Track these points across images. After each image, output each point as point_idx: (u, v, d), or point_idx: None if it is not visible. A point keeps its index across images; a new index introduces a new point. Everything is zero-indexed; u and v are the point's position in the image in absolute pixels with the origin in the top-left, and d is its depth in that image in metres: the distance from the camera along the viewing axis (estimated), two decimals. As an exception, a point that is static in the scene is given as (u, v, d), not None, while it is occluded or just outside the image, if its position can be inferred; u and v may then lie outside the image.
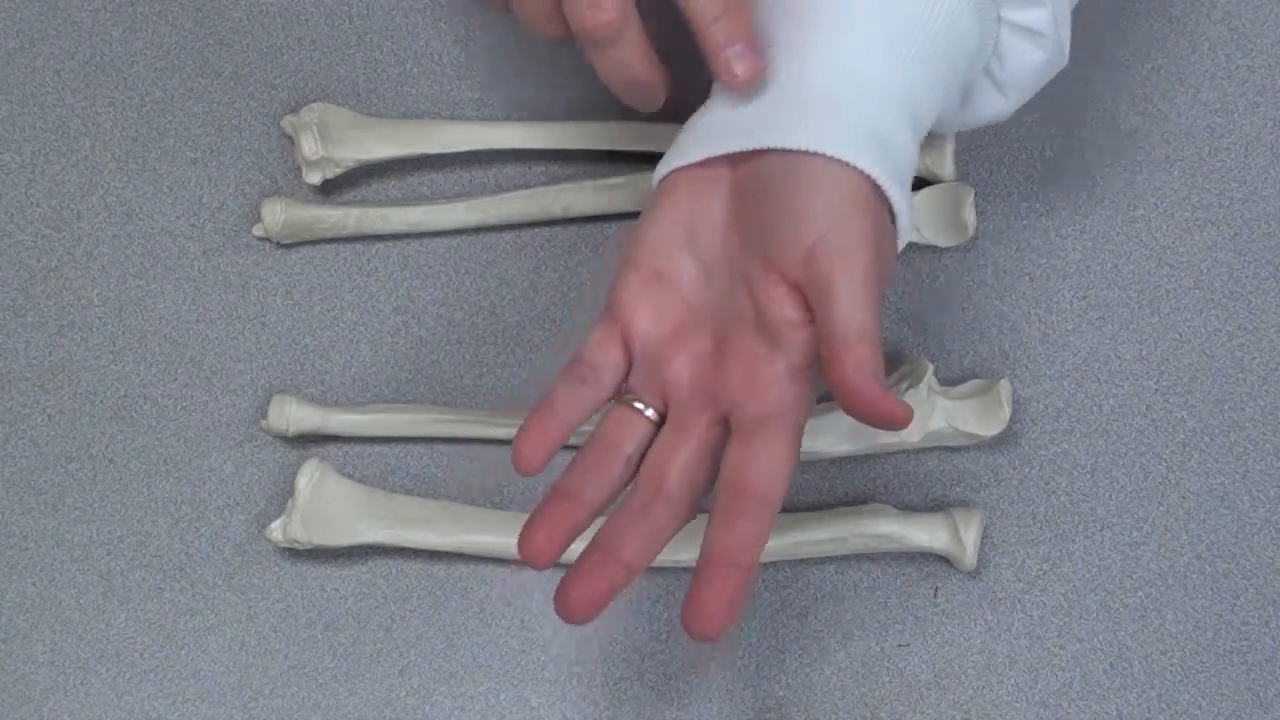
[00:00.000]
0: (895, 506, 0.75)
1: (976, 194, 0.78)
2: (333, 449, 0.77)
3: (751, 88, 0.63)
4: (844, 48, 0.63)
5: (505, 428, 0.76)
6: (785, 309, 0.61)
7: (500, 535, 0.74)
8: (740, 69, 0.62)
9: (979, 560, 0.74)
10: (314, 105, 0.79)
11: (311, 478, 0.74)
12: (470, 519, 0.75)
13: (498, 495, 0.77)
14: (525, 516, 0.75)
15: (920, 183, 0.79)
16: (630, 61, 0.65)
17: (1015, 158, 0.81)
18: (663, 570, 0.75)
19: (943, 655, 0.74)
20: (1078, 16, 0.83)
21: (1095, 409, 0.77)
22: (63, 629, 0.75)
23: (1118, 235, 0.79)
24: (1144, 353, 0.77)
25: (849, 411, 0.59)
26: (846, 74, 0.62)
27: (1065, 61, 0.68)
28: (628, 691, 0.74)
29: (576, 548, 0.65)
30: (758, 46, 0.63)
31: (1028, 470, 0.76)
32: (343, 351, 0.79)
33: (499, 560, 0.75)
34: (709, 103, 0.66)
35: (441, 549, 0.74)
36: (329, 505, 0.74)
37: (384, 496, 0.75)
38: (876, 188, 0.61)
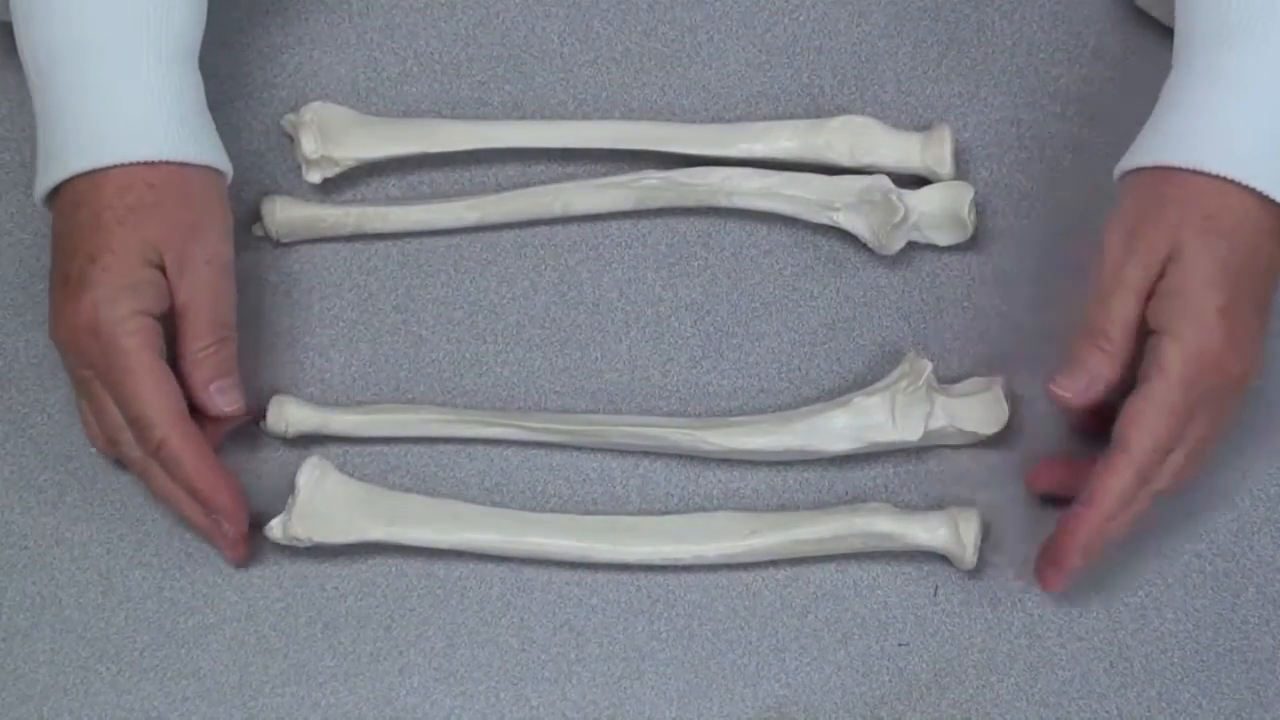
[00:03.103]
0: (895, 506, 0.75)
1: (976, 194, 0.78)
2: (333, 449, 0.77)
3: None
4: None
5: (505, 428, 0.76)
6: None
7: (500, 535, 0.74)
8: None
9: (979, 560, 0.74)
10: (314, 104, 0.80)
11: (312, 475, 0.74)
12: (470, 519, 0.75)
13: (498, 495, 0.77)
14: (525, 516, 0.75)
15: (920, 182, 0.79)
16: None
17: (1015, 158, 0.81)
18: (663, 569, 0.75)
19: (943, 655, 0.74)
20: (1079, 16, 0.83)
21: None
22: (63, 629, 0.75)
23: (1118, 235, 0.78)
24: (1144, 352, 0.77)
25: None
26: None
27: None
28: (628, 691, 0.74)
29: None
30: None
31: (1028, 469, 0.76)
32: (343, 351, 0.79)
33: (499, 560, 0.75)
34: None
35: (441, 548, 0.74)
36: (329, 503, 0.74)
37: (384, 494, 0.75)
38: None
